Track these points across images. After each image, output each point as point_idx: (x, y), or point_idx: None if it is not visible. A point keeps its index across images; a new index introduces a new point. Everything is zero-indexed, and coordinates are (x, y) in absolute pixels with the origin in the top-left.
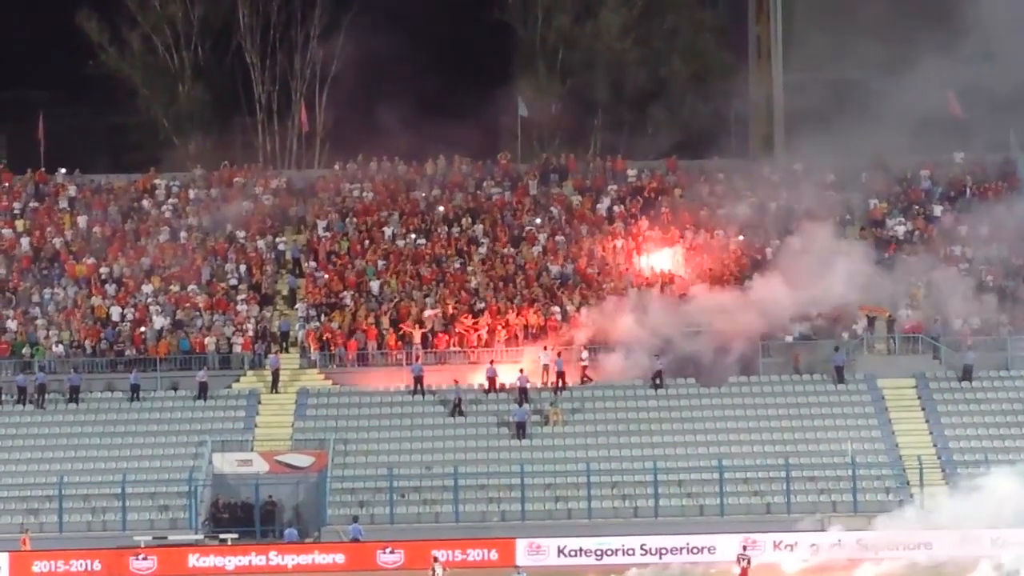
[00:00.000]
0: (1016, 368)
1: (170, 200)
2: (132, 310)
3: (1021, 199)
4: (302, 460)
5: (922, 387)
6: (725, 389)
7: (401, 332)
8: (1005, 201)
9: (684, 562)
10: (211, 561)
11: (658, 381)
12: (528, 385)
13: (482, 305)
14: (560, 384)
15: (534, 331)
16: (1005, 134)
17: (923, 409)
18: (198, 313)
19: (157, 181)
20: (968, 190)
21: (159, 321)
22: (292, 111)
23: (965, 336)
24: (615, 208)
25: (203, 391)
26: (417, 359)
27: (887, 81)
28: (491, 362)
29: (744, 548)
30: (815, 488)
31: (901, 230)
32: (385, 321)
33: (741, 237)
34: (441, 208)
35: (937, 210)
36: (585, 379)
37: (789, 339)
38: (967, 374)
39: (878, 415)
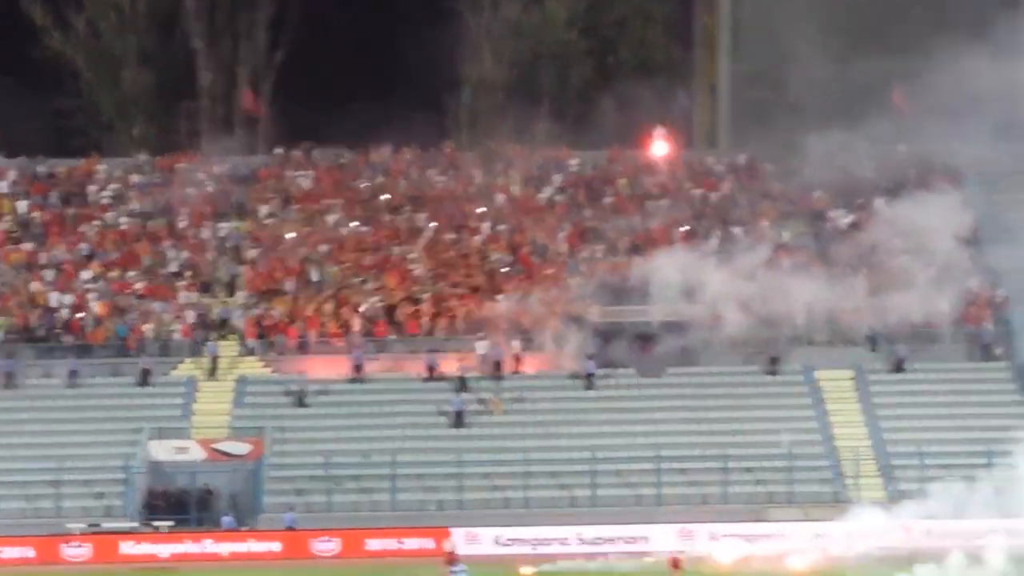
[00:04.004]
0: (953, 360)
1: (111, 186)
2: (71, 296)
3: (962, 192)
4: (239, 448)
5: (859, 379)
6: (663, 380)
7: (342, 320)
8: (943, 193)
9: (620, 552)
10: (145, 549)
11: (589, 382)
12: (467, 374)
13: (424, 293)
14: (499, 373)
15: (475, 319)
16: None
17: (860, 401)
18: (137, 299)
19: (99, 167)
20: (908, 182)
21: (98, 307)
22: (237, 97)
23: (899, 328)
24: (558, 197)
25: (145, 378)
26: (357, 347)
27: (832, 73)
28: (430, 350)
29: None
30: (751, 479)
31: (844, 222)
32: (326, 309)
33: (685, 228)
34: (384, 196)
35: (877, 202)
36: (519, 368)
37: (727, 330)
38: (899, 366)
39: (815, 407)
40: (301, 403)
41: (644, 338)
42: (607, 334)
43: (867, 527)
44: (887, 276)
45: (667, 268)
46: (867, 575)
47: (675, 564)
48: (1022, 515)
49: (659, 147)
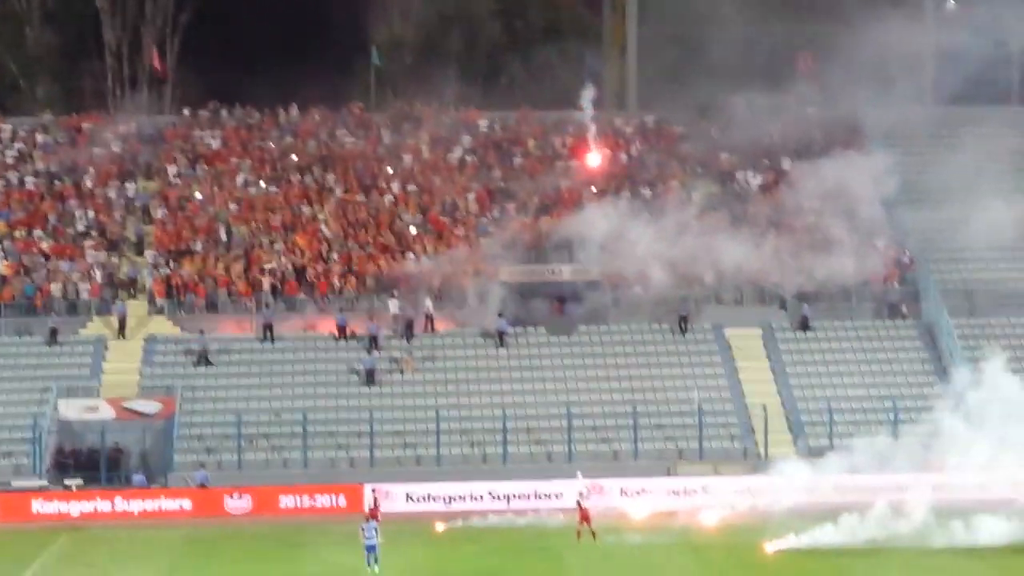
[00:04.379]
0: (861, 319)
1: (16, 145)
2: None
3: (867, 154)
4: (149, 406)
5: (768, 337)
6: (574, 338)
7: (252, 280)
8: (852, 156)
9: (531, 508)
10: (55, 507)
11: (501, 340)
12: (378, 332)
13: (333, 253)
14: (410, 332)
15: (385, 279)
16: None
17: (769, 359)
18: (44, 259)
19: (3, 125)
20: (817, 144)
21: (4, 267)
22: (142, 56)
23: (809, 287)
24: (468, 158)
25: (53, 337)
26: (267, 306)
27: (740, 36)
28: (341, 309)
29: (581, 494)
30: (662, 435)
31: (752, 183)
32: (236, 268)
33: (594, 189)
34: (294, 156)
35: (786, 163)
36: (430, 327)
37: (636, 289)
38: (804, 324)
39: (725, 364)
40: (203, 362)
41: (555, 297)
42: (518, 293)
43: (792, 481)
44: (797, 236)
45: (578, 227)
46: (791, 528)
47: (584, 517)
48: (942, 469)
49: (593, 158)
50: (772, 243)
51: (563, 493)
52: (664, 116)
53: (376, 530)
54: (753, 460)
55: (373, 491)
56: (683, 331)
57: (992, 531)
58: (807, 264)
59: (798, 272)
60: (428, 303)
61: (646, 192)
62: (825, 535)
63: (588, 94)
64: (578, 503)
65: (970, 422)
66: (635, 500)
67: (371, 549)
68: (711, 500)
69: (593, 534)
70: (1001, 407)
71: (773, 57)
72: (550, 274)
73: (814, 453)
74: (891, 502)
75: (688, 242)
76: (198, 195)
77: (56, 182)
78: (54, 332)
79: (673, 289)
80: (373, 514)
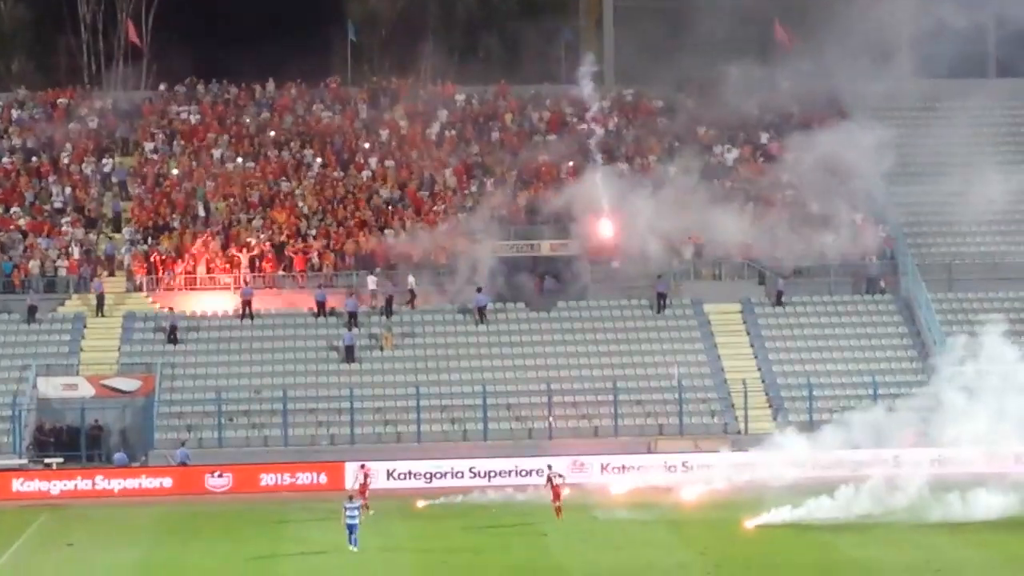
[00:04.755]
0: (838, 293)
1: None
2: None
3: (845, 127)
4: (129, 384)
5: (747, 312)
6: (554, 314)
7: (230, 256)
8: (829, 129)
9: (512, 484)
10: (35, 486)
11: (481, 316)
12: (357, 309)
13: (312, 229)
14: (389, 308)
15: (363, 255)
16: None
17: (748, 334)
18: (21, 236)
19: None
20: (793, 118)
21: None
22: (118, 31)
23: (787, 262)
24: (445, 133)
25: (31, 314)
26: (246, 283)
27: (718, 8)
28: (320, 285)
29: (550, 467)
30: (642, 411)
31: (729, 157)
32: (214, 245)
33: (571, 163)
34: (271, 132)
35: (763, 137)
36: (412, 304)
37: (615, 265)
38: (779, 299)
39: (704, 339)
40: (172, 339)
41: (535, 272)
42: (497, 269)
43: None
44: (776, 211)
45: (557, 203)
46: (788, 501)
47: (556, 494)
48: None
49: (605, 227)
50: (751, 218)
51: (544, 469)
52: (641, 90)
53: (359, 509)
54: (733, 435)
55: (363, 468)
56: (661, 308)
57: (988, 505)
58: (786, 239)
59: (777, 247)
60: (411, 279)
61: (623, 167)
62: (820, 510)
63: (587, 70)
64: (548, 479)
65: (964, 395)
66: (616, 476)
67: (352, 528)
68: (707, 475)
69: (558, 511)
70: (997, 379)
71: (750, 30)
72: (529, 249)
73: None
74: (886, 476)
75: (667, 217)
76: (175, 171)
77: (33, 158)
78: (32, 310)
79: (652, 264)
80: (363, 491)
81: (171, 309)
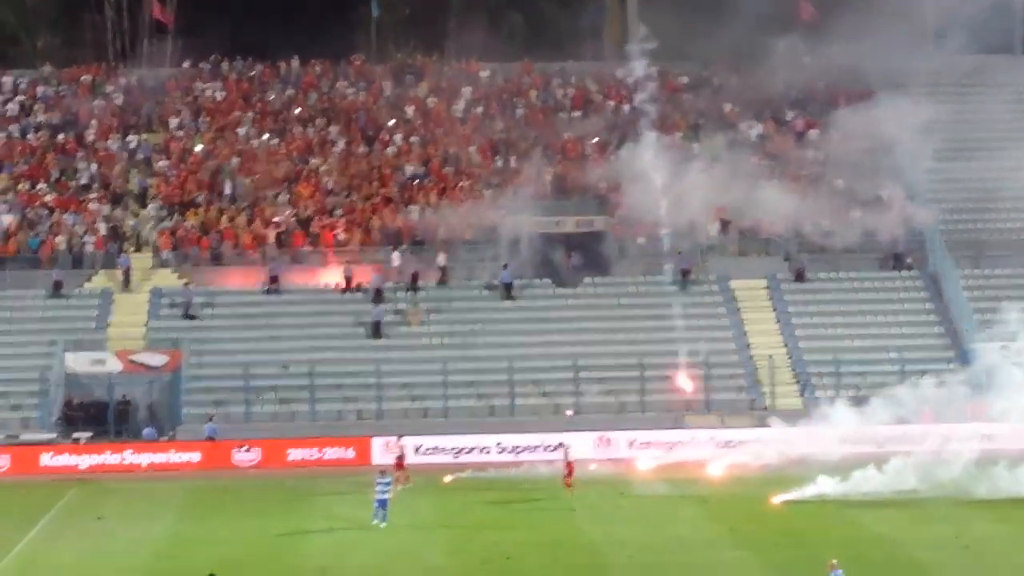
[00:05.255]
0: (864, 269)
1: (17, 97)
2: None
3: (872, 103)
4: (156, 359)
5: (773, 288)
6: (580, 290)
7: (256, 232)
8: (856, 105)
9: (539, 459)
10: (64, 460)
11: (509, 292)
12: (383, 285)
13: (338, 205)
14: (415, 284)
15: (389, 231)
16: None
17: (774, 310)
18: (48, 212)
19: (4, 78)
20: (820, 94)
21: (8, 219)
22: (142, 8)
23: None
24: (470, 109)
25: (57, 290)
26: (272, 258)
27: None
28: (347, 262)
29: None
30: (668, 387)
31: (753, 133)
32: (240, 220)
33: (595, 140)
34: (296, 109)
35: (789, 114)
36: (443, 280)
37: (641, 241)
38: (801, 276)
39: (730, 315)
40: (189, 315)
41: (560, 248)
42: (522, 244)
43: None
44: (802, 186)
45: (582, 179)
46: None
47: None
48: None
49: (684, 382)
50: (776, 193)
51: (570, 445)
52: (665, 66)
53: (390, 484)
54: (760, 411)
55: (400, 443)
56: (685, 284)
57: None
58: (813, 215)
59: (803, 223)
60: (441, 256)
61: (648, 143)
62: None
63: (638, 47)
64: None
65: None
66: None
67: (383, 504)
68: (757, 450)
69: (567, 486)
70: None
71: (777, 4)
72: (555, 226)
73: (821, 404)
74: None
75: (692, 192)
76: (200, 147)
77: (59, 135)
78: (58, 285)
79: (678, 240)
80: (400, 464)
81: (187, 284)
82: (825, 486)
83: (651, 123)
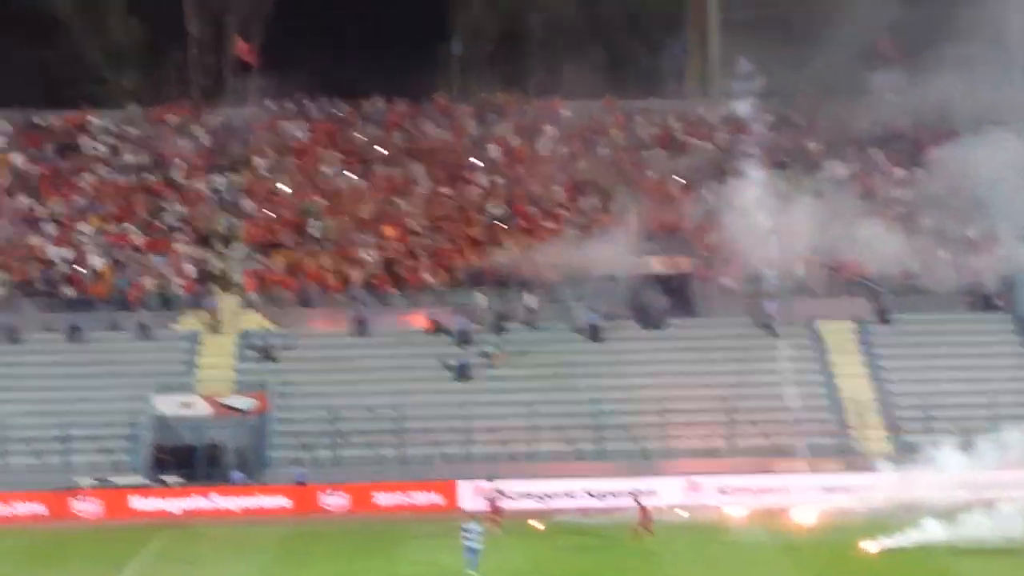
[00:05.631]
0: (955, 311)
1: (105, 138)
2: (70, 250)
3: (957, 142)
4: (244, 403)
5: (861, 330)
6: (667, 332)
7: (342, 274)
8: (941, 144)
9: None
10: (154, 504)
11: (595, 334)
12: (469, 327)
13: (423, 246)
14: (501, 326)
15: (474, 272)
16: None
17: (862, 352)
18: (136, 253)
19: (92, 119)
20: (907, 131)
21: (97, 261)
22: (227, 47)
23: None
24: (554, 148)
25: (145, 332)
26: (358, 301)
27: (825, 21)
28: (432, 304)
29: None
30: (756, 431)
31: (839, 173)
32: (326, 262)
33: (678, 179)
34: (380, 148)
35: (875, 152)
36: (531, 322)
37: (725, 282)
38: (885, 317)
39: (818, 358)
40: (269, 358)
41: (646, 290)
42: (608, 286)
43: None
44: (890, 226)
45: (666, 219)
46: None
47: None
48: None
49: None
50: (864, 233)
51: (658, 490)
52: (749, 103)
53: (480, 532)
54: (848, 456)
55: (493, 486)
56: (772, 327)
57: None
58: (900, 254)
59: (890, 263)
60: (529, 297)
61: (732, 182)
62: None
63: (742, 85)
64: (637, 502)
65: None
66: (731, 497)
67: (472, 552)
68: (866, 496)
69: (640, 533)
70: None
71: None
72: (641, 267)
73: (911, 449)
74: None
75: (778, 233)
76: (284, 188)
77: (145, 175)
78: (147, 327)
79: (764, 281)
80: (495, 509)
81: (268, 327)
82: (926, 532)
83: (736, 162)
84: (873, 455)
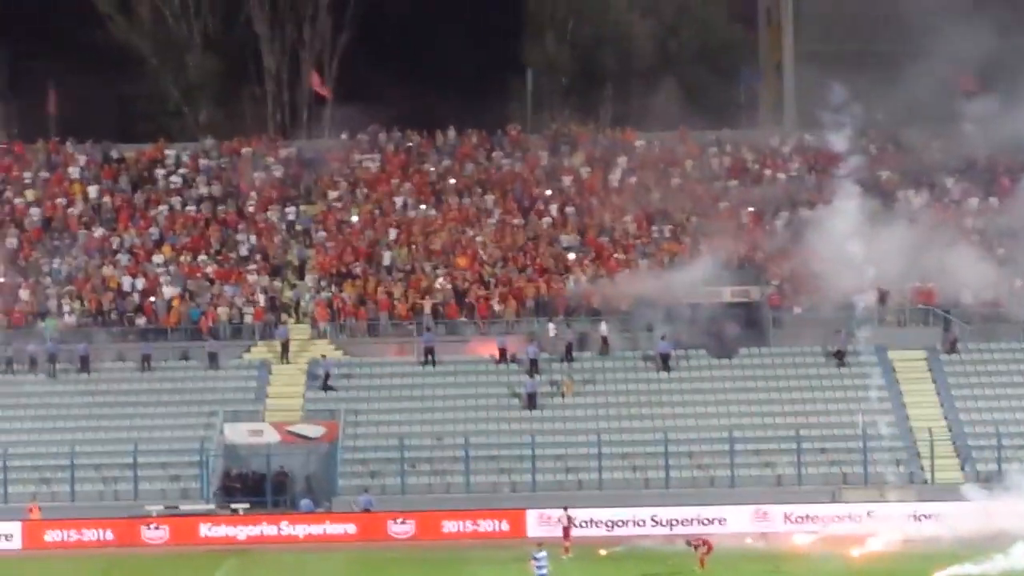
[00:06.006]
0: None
1: (180, 170)
2: (143, 280)
3: None
4: (313, 431)
5: (932, 359)
6: (736, 360)
7: (412, 303)
8: (1016, 173)
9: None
10: (223, 531)
11: (665, 363)
12: (538, 356)
13: (493, 276)
14: (570, 354)
15: (544, 301)
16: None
17: (934, 381)
18: (208, 283)
19: (167, 151)
20: (979, 163)
21: (169, 291)
22: (302, 81)
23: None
24: (625, 179)
25: (215, 361)
26: (428, 330)
27: (898, 51)
28: (502, 333)
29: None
30: (826, 460)
31: (913, 202)
32: (396, 291)
33: (751, 209)
34: (452, 179)
35: (948, 182)
36: (605, 350)
37: (797, 311)
38: (953, 347)
39: (889, 387)
40: (326, 387)
41: (717, 319)
42: (679, 315)
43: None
44: (962, 256)
45: (736, 249)
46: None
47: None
48: None
49: None
50: (936, 263)
51: (726, 518)
52: (821, 134)
53: (547, 559)
54: (919, 485)
55: (567, 513)
56: (840, 365)
57: None
58: (972, 284)
59: (962, 292)
60: (603, 326)
61: (805, 212)
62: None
63: (836, 118)
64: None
65: None
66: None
67: None
68: (950, 525)
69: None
70: None
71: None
72: (711, 296)
73: (982, 478)
74: None
75: (850, 262)
76: (357, 218)
77: (219, 207)
78: (217, 356)
79: (835, 310)
80: (566, 535)
81: (323, 356)
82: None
83: (809, 192)
84: (946, 484)
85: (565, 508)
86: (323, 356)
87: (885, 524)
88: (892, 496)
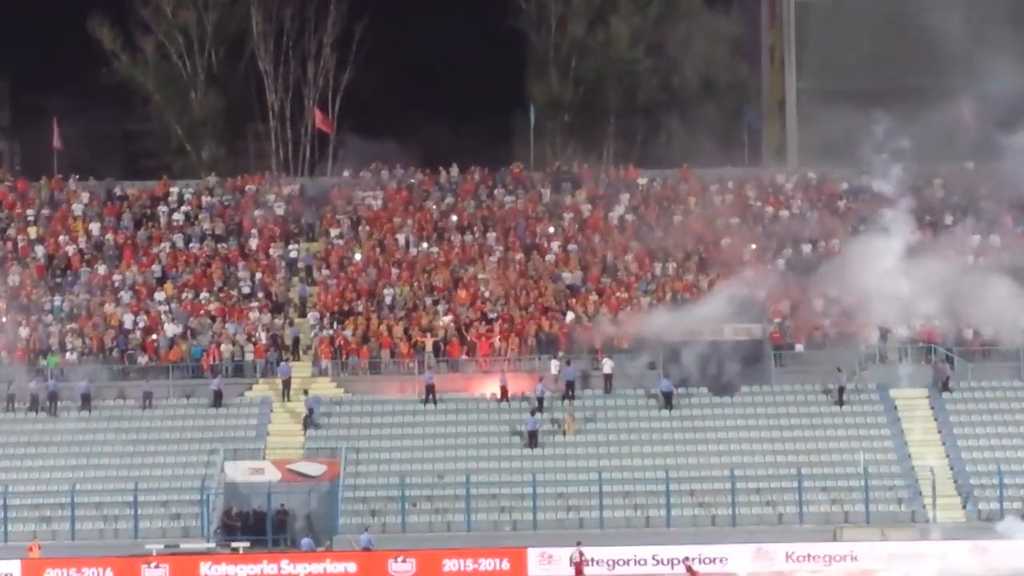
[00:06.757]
0: None
1: (183, 207)
2: (144, 317)
3: None
4: (314, 469)
5: (934, 397)
6: (737, 398)
7: (414, 341)
8: (1014, 211)
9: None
10: (223, 570)
11: (668, 401)
12: (544, 394)
13: (495, 313)
14: (572, 392)
15: (546, 339)
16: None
17: (936, 420)
18: (210, 321)
19: (170, 189)
20: (982, 200)
21: (171, 328)
22: (305, 118)
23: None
24: (627, 217)
25: (217, 399)
26: (429, 368)
27: (899, 89)
28: (503, 371)
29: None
30: (827, 498)
31: (914, 239)
32: (398, 329)
33: (753, 246)
34: (454, 217)
35: (948, 219)
36: (608, 388)
37: (799, 348)
38: (945, 385)
39: (891, 425)
40: (311, 424)
41: (717, 357)
42: (680, 353)
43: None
44: (963, 294)
45: (740, 286)
46: None
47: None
48: None
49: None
50: (936, 301)
51: (727, 557)
52: (824, 171)
53: None
54: (921, 524)
55: (579, 548)
56: (841, 403)
57: None
58: (974, 322)
59: (964, 330)
60: (607, 363)
61: (807, 249)
62: None
63: (883, 160)
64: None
65: None
66: (800, 565)
67: None
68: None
69: None
70: None
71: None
72: (713, 334)
73: (984, 518)
74: None
75: (851, 300)
76: (359, 256)
77: (221, 244)
78: (219, 394)
79: (837, 349)
80: (579, 571)
81: (306, 392)
82: None
83: (811, 229)
84: (946, 523)
85: (578, 544)
86: (305, 392)
87: (885, 562)
88: (893, 535)
